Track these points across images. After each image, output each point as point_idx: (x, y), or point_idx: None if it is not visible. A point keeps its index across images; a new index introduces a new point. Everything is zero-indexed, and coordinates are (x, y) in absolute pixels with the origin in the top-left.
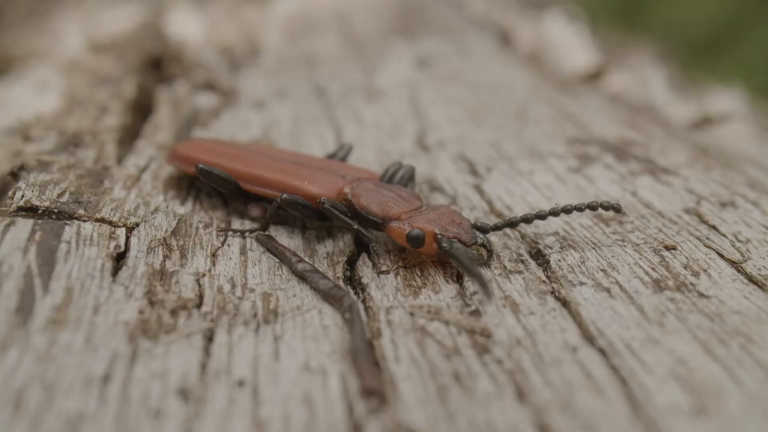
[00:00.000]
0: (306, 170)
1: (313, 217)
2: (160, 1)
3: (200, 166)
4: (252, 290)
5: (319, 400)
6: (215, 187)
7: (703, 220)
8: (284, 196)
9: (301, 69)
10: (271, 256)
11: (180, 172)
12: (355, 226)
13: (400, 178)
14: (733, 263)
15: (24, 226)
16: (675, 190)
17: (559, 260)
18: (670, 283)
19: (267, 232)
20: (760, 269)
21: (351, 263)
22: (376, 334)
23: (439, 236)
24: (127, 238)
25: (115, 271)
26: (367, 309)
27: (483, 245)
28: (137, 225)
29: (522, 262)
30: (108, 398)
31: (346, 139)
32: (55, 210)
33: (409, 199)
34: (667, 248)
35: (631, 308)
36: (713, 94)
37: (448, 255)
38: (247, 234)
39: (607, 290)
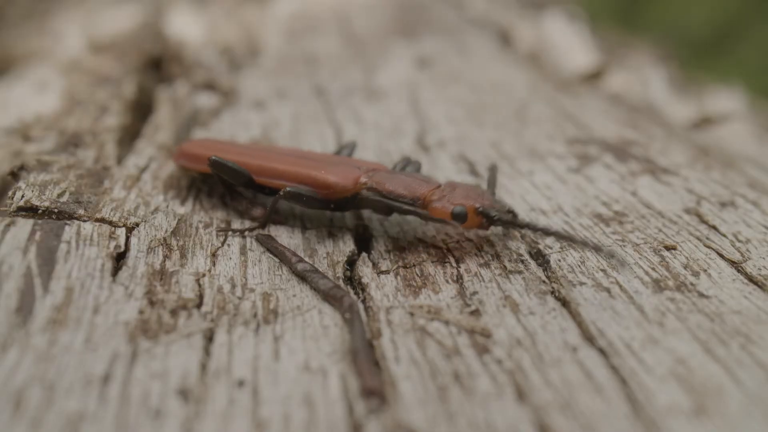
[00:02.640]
0: (319, 162)
1: (318, 207)
2: (160, 1)
3: (213, 158)
4: (252, 290)
5: (319, 400)
6: (227, 181)
7: (703, 220)
8: (288, 189)
9: (301, 69)
10: (271, 256)
11: (185, 171)
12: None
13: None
14: (733, 263)
15: (24, 226)
16: (675, 190)
17: (559, 260)
18: (670, 283)
19: (267, 232)
20: (760, 269)
21: (351, 263)
22: (376, 334)
23: (480, 209)
24: (127, 238)
25: (115, 271)
26: (367, 309)
27: (510, 212)
28: (137, 225)
29: (522, 262)
30: (108, 398)
31: (346, 139)
32: (55, 210)
33: (428, 179)
34: (667, 248)
35: (631, 308)
36: (713, 94)
37: (500, 224)
38: (246, 233)
39: (607, 290)
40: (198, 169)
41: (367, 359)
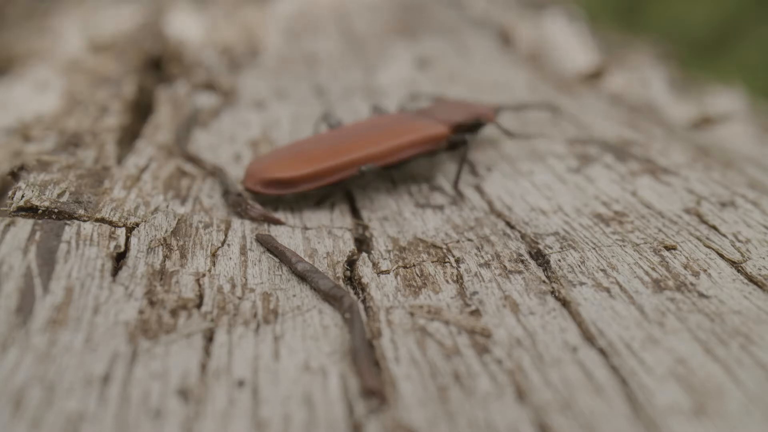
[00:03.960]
0: (400, 125)
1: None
2: (160, 1)
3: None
4: (252, 290)
5: (319, 400)
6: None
7: (703, 220)
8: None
9: (301, 69)
10: (271, 256)
11: (271, 196)
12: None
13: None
14: (733, 263)
15: (24, 226)
16: (675, 190)
17: (559, 260)
18: (670, 283)
19: (267, 232)
20: (760, 269)
21: (351, 263)
22: (376, 334)
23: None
24: (127, 238)
25: (115, 271)
26: (367, 309)
27: None
28: (137, 225)
29: (522, 262)
30: (108, 398)
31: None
32: (55, 210)
33: (448, 100)
34: (667, 248)
35: (631, 308)
36: (713, 94)
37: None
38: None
39: (607, 290)
40: (291, 192)
41: (367, 359)
